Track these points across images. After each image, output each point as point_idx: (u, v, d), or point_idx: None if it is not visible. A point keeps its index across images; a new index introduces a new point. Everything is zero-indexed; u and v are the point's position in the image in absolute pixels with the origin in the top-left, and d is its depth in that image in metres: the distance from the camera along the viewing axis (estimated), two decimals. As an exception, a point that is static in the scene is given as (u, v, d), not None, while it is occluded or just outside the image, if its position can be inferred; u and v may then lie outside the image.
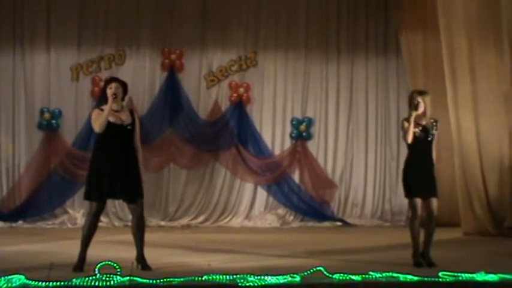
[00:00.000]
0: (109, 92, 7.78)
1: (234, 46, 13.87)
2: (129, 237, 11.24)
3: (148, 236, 10.71)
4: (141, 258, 7.85)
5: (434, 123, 8.34)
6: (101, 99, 8.00)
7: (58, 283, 6.49)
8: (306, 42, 14.04)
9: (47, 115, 13.10)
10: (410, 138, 8.18)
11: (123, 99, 7.94)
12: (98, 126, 7.71)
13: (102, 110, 7.77)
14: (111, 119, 7.71)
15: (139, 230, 7.90)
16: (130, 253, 8.91)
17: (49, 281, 6.48)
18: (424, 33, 13.46)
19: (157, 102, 13.51)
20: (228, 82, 13.76)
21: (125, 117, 7.83)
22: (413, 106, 8.22)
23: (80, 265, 7.66)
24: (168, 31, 13.63)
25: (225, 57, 13.83)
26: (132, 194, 7.83)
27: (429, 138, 8.28)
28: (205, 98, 13.73)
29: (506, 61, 11.56)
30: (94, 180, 7.75)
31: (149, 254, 8.62)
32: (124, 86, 7.94)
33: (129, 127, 7.81)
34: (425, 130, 8.26)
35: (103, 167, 7.71)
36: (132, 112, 8.00)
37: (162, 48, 13.57)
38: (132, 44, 13.53)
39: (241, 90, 13.75)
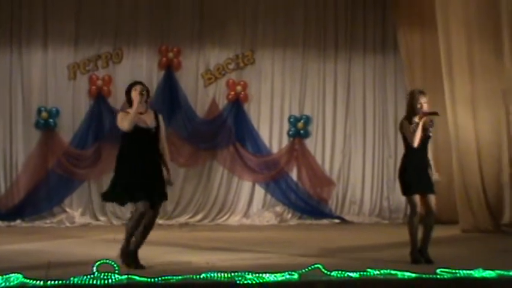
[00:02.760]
0: (134, 93, 7.82)
1: (231, 44, 13.87)
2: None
3: (146, 234, 10.76)
4: (135, 257, 7.83)
5: (431, 122, 8.35)
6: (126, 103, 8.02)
7: (56, 282, 6.48)
8: (303, 40, 14.04)
9: (44, 114, 13.10)
10: (417, 143, 8.17)
11: (146, 101, 7.93)
12: (126, 124, 7.71)
13: (127, 112, 7.80)
14: (137, 122, 7.74)
15: (147, 230, 7.88)
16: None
17: (47, 280, 6.46)
18: (422, 31, 13.45)
19: (155, 100, 13.44)
20: (226, 80, 13.76)
21: (150, 120, 7.87)
22: (417, 107, 8.19)
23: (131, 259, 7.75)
24: (165, 29, 13.63)
25: (223, 55, 13.83)
26: (154, 198, 7.81)
27: (427, 136, 8.29)
28: (202, 96, 13.73)
29: (504, 59, 11.55)
30: (118, 182, 7.77)
31: (147, 253, 8.63)
32: (147, 89, 8.00)
33: (154, 130, 7.84)
34: (425, 129, 8.26)
35: (128, 171, 7.73)
36: (156, 114, 8.00)
37: (160, 46, 13.58)
38: (129, 43, 13.53)
39: (239, 88, 13.75)
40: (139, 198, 7.70)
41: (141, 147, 7.78)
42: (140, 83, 8.07)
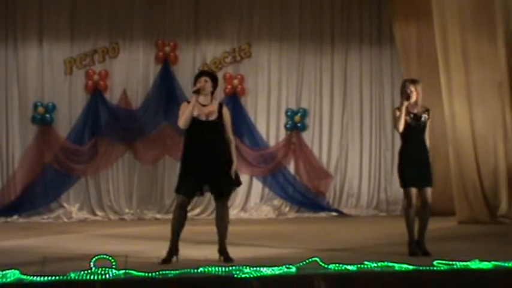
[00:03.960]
0: (197, 84, 7.76)
1: (228, 38, 13.85)
2: (124, 230, 11.39)
3: (144, 229, 10.82)
4: (223, 251, 7.85)
5: (426, 112, 8.36)
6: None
7: (53, 277, 6.48)
8: (299, 33, 14.03)
9: (40, 109, 13.08)
10: (401, 127, 8.19)
11: (213, 92, 7.86)
12: (182, 121, 7.68)
13: (189, 102, 7.74)
14: (196, 114, 7.66)
15: (222, 222, 7.91)
16: (126, 246, 8.96)
17: (44, 276, 6.47)
18: (418, 23, 13.46)
19: (152, 95, 13.50)
20: (223, 74, 13.73)
21: (211, 112, 7.74)
22: (405, 95, 8.23)
23: (169, 258, 7.72)
24: (161, 23, 13.60)
25: (219, 49, 13.81)
26: (218, 189, 7.82)
27: (421, 126, 8.30)
28: (199, 90, 13.68)
29: (500, 50, 11.56)
30: (183, 174, 7.76)
31: (144, 247, 8.66)
32: (213, 79, 7.90)
33: (215, 121, 7.70)
34: (417, 118, 8.27)
35: (190, 162, 7.70)
36: (220, 106, 7.88)
37: (156, 40, 13.55)
38: (125, 37, 13.50)
39: (236, 82, 13.74)
40: (182, 191, 7.73)
41: (201, 138, 7.68)
42: (205, 73, 8.03)
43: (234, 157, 7.88)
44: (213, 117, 7.73)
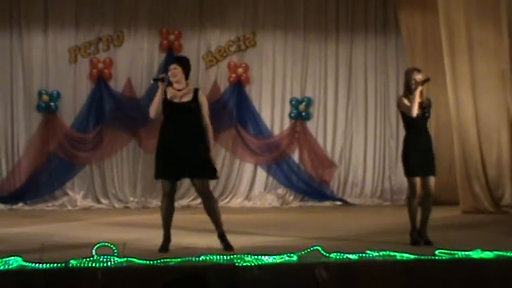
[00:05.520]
0: (169, 74, 7.83)
1: (232, 26, 13.82)
2: (129, 218, 11.42)
3: (147, 217, 10.84)
4: (222, 238, 7.85)
5: (429, 102, 8.38)
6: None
7: (55, 265, 6.51)
8: (304, 22, 14.00)
9: (45, 97, 13.09)
10: (415, 111, 8.15)
11: (186, 77, 7.89)
12: (152, 112, 7.79)
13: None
14: (170, 97, 7.73)
15: (211, 210, 7.85)
16: (129, 234, 8.99)
17: (46, 263, 6.50)
18: (423, 11, 13.42)
19: (155, 83, 13.45)
20: (227, 63, 13.74)
21: (186, 94, 7.79)
22: (417, 83, 8.17)
23: (165, 246, 7.71)
24: (166, 12, 13.58)
25: (224, 37, 13.79)
26: (194, 172, 7.73)
27: (426, 115, 8.31)
28: (204, 78, 13.69)
29: (504, 39, 11.53)
30: (159, 158, 7.78)
31: (147, 235, 8.69)
32: (184, 64, 7.92)
33: (191, 105, 7.73)
34: (422, 108, 8.27)
35: (166, 146, 7.72)
36: (196, 91, 7.89)
37: (160, 29, 13.54)
38: (130, 25, 13.49)
39: (240, 70, 13.73)
40: (163, 176, 7.74)
41: (175, 123, 7.72)
42: (174, 60, 8.04)
43: (211, 143, 7.85)
44: (187, 99, 7.76)
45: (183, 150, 7.64)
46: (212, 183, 13.33)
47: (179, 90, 7.81)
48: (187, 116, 7.73)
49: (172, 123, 7.73)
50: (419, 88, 8.19)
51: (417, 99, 8.16)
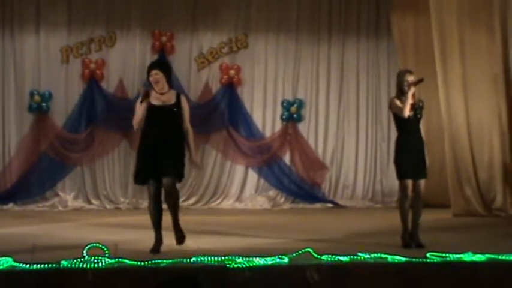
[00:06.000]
0: (151, 80, 7.84)
1: (224, 28, 13.82)
2: (119, 219, 11.39)
3: (139, 218, 10.78)
4: (174, 230, 7.89)
5: (420, 102, 8.39)
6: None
7: (45, 265, 6.48)
8: (297, 24, 14.01)
9: (37, 97, 13.05)
10: (407, 112, 8.18)
11: (168, 81, 7.91)
12: (135, 123, 7.78)
13: (142, 101, 7.73)
14: (154, 102, 7.74)
15: (174, 205, 7.86)
16: (120, 235, 8.97)
17: (36, 263, 6.47)
18: (415, 15, 13.45)
19: (148, 84, 13.43)
20: (219, 64, 13.73)
21: (169, 100, 7.83)
22: (405, 88, 8.20)
23: (157, 247, 7.72)
24: (158, 13, 13.57)
25: (216, 39, 13.79)
26: (165, 171, 7.73)
27: (418, 116, 8.32)
28: (195, 80, 13.69)
29: (497, 43, 11.56)
30: (139, 162, 7.84)
31: (138, 236, 8.66)
32: (165, 69, 7.95)
33: (174, 109, 7.78)
34: (414, 109, 8.29)
35: (146, 148, 7.77)
36: (178, 95, 7.96)
37: (153, 30, 13.52)
38: (122, 26, 13.47)
39: (232, 72, 13.72)
40: (148, 179, 7.76)
41: (157, 125, 7.74)
42: (154, 66, 7.99)
43: (192, 147, 7.95)
44: (169, 103, 7.81)
45: (161, 151, 7.69)
46: (203, 185, 13.57)
47: (162, 94, 7.84)
48: (169, 119, 7.80)
49: (155, 126, 7.76)
50: (413, 89, 8.21)
51: (409, 101, 8.18)
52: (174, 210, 7.89)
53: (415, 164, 8.27)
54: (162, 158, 7.67)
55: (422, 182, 8.32)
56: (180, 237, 7.85)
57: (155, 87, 7.83)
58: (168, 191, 7.81)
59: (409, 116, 8.22)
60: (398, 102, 8.26)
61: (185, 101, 7.98)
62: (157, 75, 7.83)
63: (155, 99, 7.79)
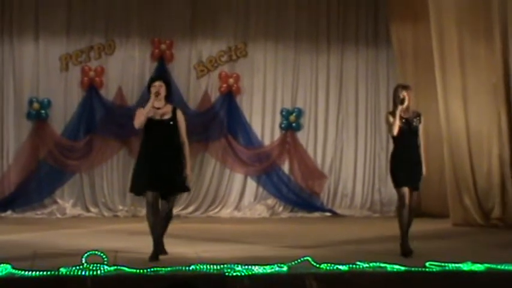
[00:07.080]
0: (152, 89, 8.02)
1: (224, 36, 13.82)
2: (118, 227, 11.38)
3: (137, 226, 10.79)
4: (160, 240, 7.99)
5: (417, 117, 8.46)
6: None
7: (44, 272, 6.48)
8: (296, 33, 14.00)
9: (35, 105, 13.05)
10: (396, 131, 8.31)
11: (166, 97, 8.11)
12: (137, 123, 7.99)
13: (144, 107, 7.98)
14: (151, 115, 7.93)
15: (168, 219, 8.09)
16: (118, 243, 8.96)
17: (35, 271, 6.46)
18: (415, 24, 13.45)
19: (147, 92, 13.43)
20: (218, 72, 13.73)
21: (165, 112, 8.03)
22: (398, 100, 8.34)
23: (156, 255, 7.75)
24: (158, 21, 13.57)
25: (215, 47, 13.79)
26: (166, 189, 7.96)
27: (413, 130, 8.38)
28: (195, 88, 13.69)
29: (496, 52, 11.54)
30: (138, 172, 8.02)
31: (137, 244, 8.66)
32: (167, 84, 8.20)
33: (170, 123, 7.99)
34: (408, 123, 8.36)
35: (145, 160, 7.96)
36: (174, 109, 8.14)
37: (152, 38, 13.52)
38: (121, 34, 13.47)
39: (231, 80, 13.73)
40: (145, 189, 7.88)
41: (155, 139, 7.94)
42: (159, 78, 8.27)
43: (188, 160, 8.12)
44: (166, 117, 8.02)
45: (160, 165, 7.86)
46: (202, 193, 13.56)
47: (158, 108, 8.02)
48: (166, 133, 8.00)
49: (152, 140, 7.96)
50: (399, 108, 8.28)
51: (397, 120, 8.27)
52: (166, 224, 8.07)
53: (409, 174, 8.34)
54: (161, 174, 7.85)
55: (414, 194, 8.41)
56: (156, 254, 7.81)
57: (155, 99, 7.96)
58: (167, 207, 8.02)
59: (402, 130, 8.30)
60: (391, 118, 8.36)
61: (181, 114, 8.18)
62: (161, 86, 8.06)
63: (153, 113, 7.97)
